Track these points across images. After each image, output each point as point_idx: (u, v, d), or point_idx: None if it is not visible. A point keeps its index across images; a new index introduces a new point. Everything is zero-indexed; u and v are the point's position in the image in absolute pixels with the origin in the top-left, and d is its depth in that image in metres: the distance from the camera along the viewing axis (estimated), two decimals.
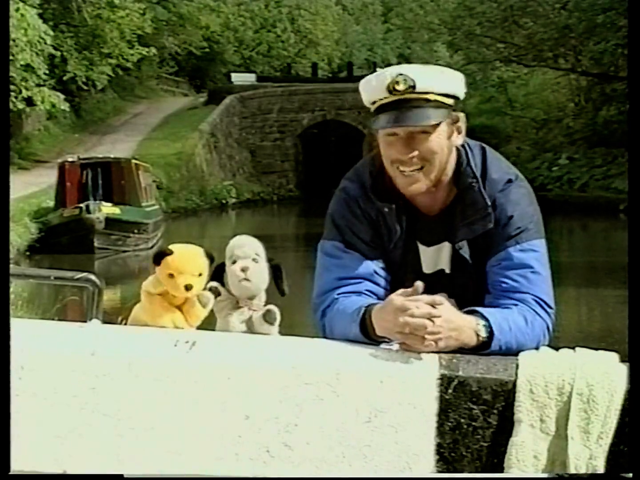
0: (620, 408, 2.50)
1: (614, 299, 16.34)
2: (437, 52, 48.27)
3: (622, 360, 2.59)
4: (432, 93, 2.77)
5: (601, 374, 2.54)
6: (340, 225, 2.87)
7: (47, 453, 2.53)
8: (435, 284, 2.77)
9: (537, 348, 2.69)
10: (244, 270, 2.84)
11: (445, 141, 2.81)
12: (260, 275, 2.87)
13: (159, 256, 2.80)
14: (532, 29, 38.40)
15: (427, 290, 2.64)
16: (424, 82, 2.76)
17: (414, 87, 2.75)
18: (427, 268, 2.89)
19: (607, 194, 32.69)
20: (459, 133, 2.86)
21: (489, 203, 2.81)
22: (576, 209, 32.02)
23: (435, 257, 2.89)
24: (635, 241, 2.52)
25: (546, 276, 2.82)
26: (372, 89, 2.82)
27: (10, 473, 2.40)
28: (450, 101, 2.80)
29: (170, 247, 2.84)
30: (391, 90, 2.77)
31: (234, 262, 2.85)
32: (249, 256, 2.86)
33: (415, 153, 2.79)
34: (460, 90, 2.84)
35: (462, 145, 2.87)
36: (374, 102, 2.83)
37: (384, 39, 73.84)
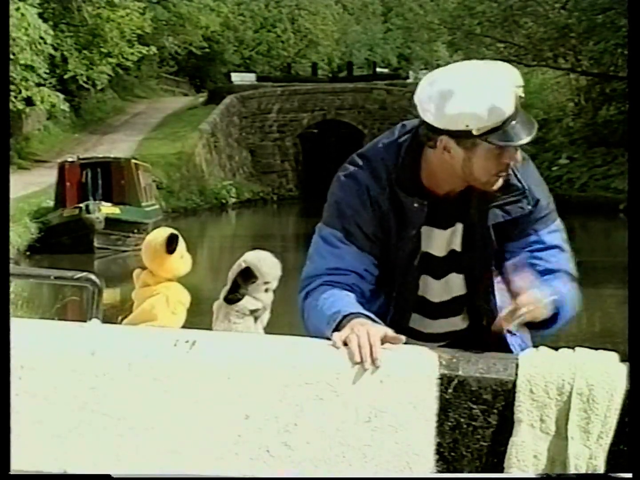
0: (620, 408, 2.51)
1: (614, 299, 16.34)
2: (437, 52, 48.23)
3: (622, 360, 2.59)
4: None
5: (601, 374, 2.54)
6: (345, 214, 2.80)
7: (47, 453, 2.53)
8: (446, 263, 2.83)
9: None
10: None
11: None
12: None
13: (174, 241, 2.87)
14: (532, 29, 38.38)
15: (439, 269, 2.83)
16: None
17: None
18: (439, 251, 2.88)
19: (607, 193, 32.69)
20: None
21: (526, 187, 2.81)
22: (576, 208, 31.97)
23: (449, 239, 2.87)
24: (635, 241, 2.52)
25: (569, 251, 2.94)
26: (501, 109, 2.66)
27: (10, 473, 2.40)
28: None
29: (165, 231, 2.90)
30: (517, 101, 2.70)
31: (266, 290, 3.00)
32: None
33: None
34: None
35: None
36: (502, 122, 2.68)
37: (384, 39, 73.68)
